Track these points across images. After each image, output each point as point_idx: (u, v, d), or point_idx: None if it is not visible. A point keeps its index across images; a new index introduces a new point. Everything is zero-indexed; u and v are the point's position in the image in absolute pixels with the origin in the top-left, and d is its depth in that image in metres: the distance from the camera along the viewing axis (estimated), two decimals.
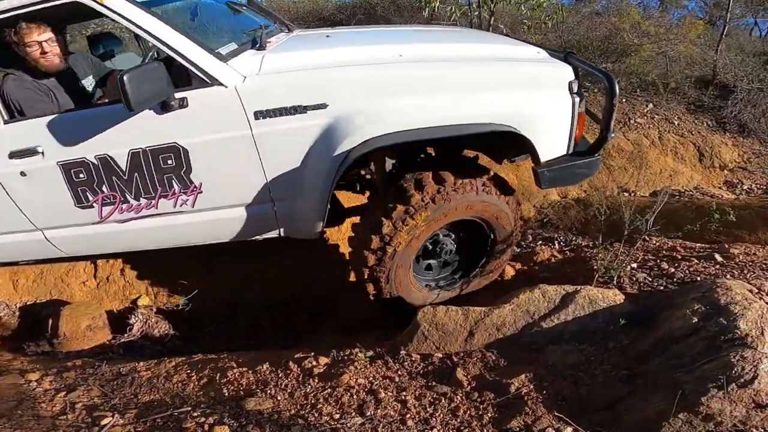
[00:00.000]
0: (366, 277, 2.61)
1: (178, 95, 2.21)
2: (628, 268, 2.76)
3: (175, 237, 2.74)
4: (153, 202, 2.52)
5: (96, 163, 2.41)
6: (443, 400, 1.98)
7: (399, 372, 2.20)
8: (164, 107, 2.21)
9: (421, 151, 2.87)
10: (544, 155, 2.39)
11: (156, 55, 3.38)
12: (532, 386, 1.98)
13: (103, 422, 2.11)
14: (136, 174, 2.42)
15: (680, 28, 7.81)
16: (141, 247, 2.85)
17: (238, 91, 2.22)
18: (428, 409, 1.94)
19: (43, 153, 2.44)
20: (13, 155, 2.46)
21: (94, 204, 2.55)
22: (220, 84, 2.22)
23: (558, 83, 2.35)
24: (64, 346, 3.32)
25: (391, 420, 1.88)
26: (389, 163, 2.91)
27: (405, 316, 2.62)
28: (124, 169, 2.41)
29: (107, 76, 3.12)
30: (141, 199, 2.50)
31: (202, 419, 2.02)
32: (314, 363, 2.29)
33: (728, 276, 2.51)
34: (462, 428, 1.85)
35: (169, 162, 2.38)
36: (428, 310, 2.37)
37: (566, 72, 2.37)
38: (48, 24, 2.54)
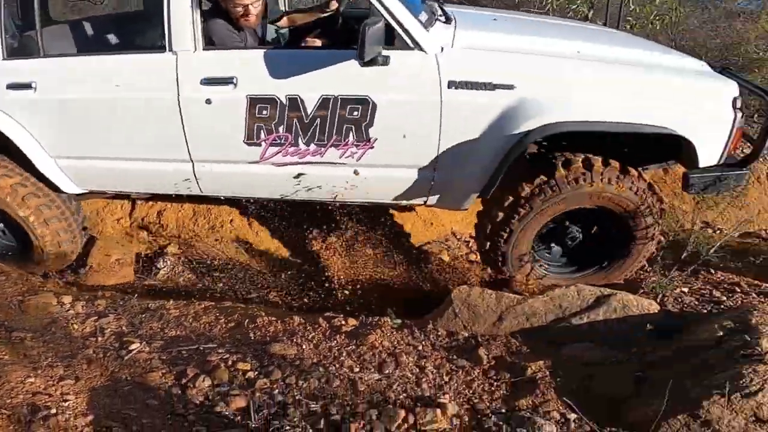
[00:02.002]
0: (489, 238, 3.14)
1: (384, 53, 2.67)
2: (677, 290, 3.09)
3: (324, 189, 3.18)
4: (322, 149, 2.97)
5: (284, 102, 2.86)
6: (460, 372, 2.41)
7: (423, 342, 2.64)
8: (368, 62, 2.62)
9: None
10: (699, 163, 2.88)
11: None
12: (547, 373, 2.38)
13: (131, 347, 2.60)
14: (318, 119, 2.87)
15: None
16: (282, 195, 3.30)
17: (438, 60, 2.75)
18: (444, 378, 2.37)
19: (236, 84, 2.90)
20: (206, 82, 2.93)
21: (263, 143, 3.00)
22: (422, 50, 2.74)
23: (726, 98, 2.84)
24: (90, 278, 3.87)
25: (407, 381, 2.32)
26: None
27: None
28: (309, 112, 2.86)
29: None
30: (312, 144, 2.96)
31: (227, 356, 2.48)
32: (343, 322, 2.77)
33: None
34: (473, 398, 2.26)
35: (355, 113, 2.83)
36: (463, 289, 2.81)
37: (733, 88, 2.87)
38: None
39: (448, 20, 3.12)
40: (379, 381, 2.29)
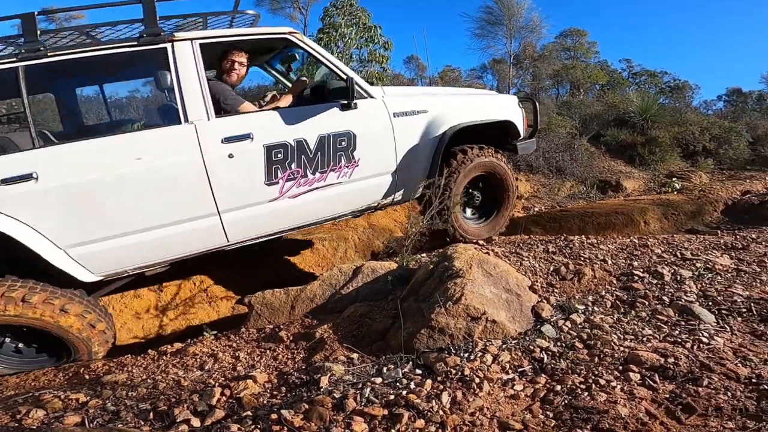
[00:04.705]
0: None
1: (354, 102, 3.31)
2: (418, 256, 3.49)
3: (329, 207, 3.40)
4: (324, 175, 3.22)
5: (293, 144, 3.09)
6: (268, 352, 2.49)
7: (237, 341, 2.67)
8: (344, 108, 3.29)
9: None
10: (519, 137, 4.31)
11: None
12: (331, 332, 2.56)
13: None
14: (319, 152, 3.20)
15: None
16: (299, 223, 3.33)
17: (384, 102, 3.50)
18: (255, 359, 2.43)
19: (252, 138, 2.95)
20: (227, 140, 2.90)
21: (280, 180, 3.11)
22: (373, 98, 3.47)
23: (515, 102, 4.34)
24: None
25: (225, 369, 2.35)
26: None
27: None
28: (312, 148, 3.17)
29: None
30: (317, 173, 3.23)
31: (61, 393, 2.22)
32: (169, 347, 2.69)
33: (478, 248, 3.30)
34: (279, 366, 2.35)
35: (343, 143, 3.29)
36: (259, 294, 2.88)
37: (515, 98, 4.43)
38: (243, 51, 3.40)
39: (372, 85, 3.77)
40: (201, 375, 2.27)
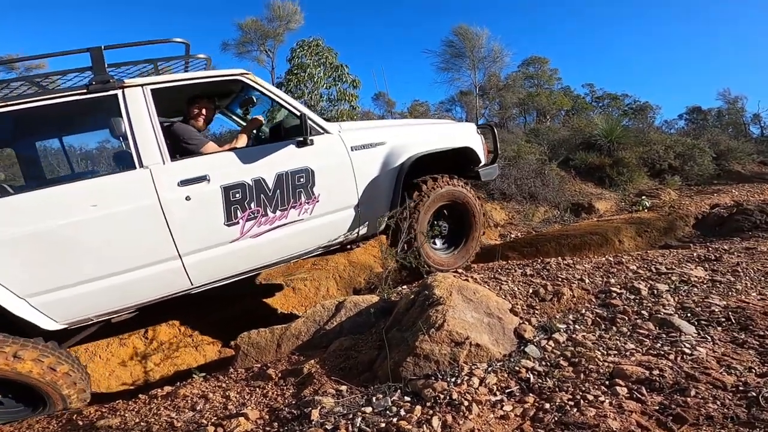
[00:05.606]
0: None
1: (310, 138, 3.31)
2: (399, 288, 3.56)
3: (293, 245, 3.38)
4: (285, 212, 3.20)
5: (251, 184, 3.05)
6: (257, 390, 2.52)
7: (227, 381, 2.70)
8: (300, 145, 3.30)
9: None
10: (480, 163, 4.38)
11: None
12: (318, 367, 2.60)
13: None
14: (278, 190, 3.15)
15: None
16: (263, 263, 3.30)
17: (341, 136, 3.55)
18: (246, 397, 2.46)
19: (209, 180, 2.96)
20: (183, 183, 2.90)
21: (240, 220, 3.05)
22: (329, 133, 3.52)
23: (474, 129, 4.46)
24: None
25: (216, 408, 2.37)
26: None
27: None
28: (271, 186, 3.12)
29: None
30: (277, 211, 3.17)
31: None
32: (159, 391, 2.70)
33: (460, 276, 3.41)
34: (270, 402, 2.38)
35: (302, 180, 3.25)
36: (245, 334, 2.91)
37: (473, 126, 4.55)
38: (210, 97, 3.56)
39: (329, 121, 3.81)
40: (193, 416, 2.30)
